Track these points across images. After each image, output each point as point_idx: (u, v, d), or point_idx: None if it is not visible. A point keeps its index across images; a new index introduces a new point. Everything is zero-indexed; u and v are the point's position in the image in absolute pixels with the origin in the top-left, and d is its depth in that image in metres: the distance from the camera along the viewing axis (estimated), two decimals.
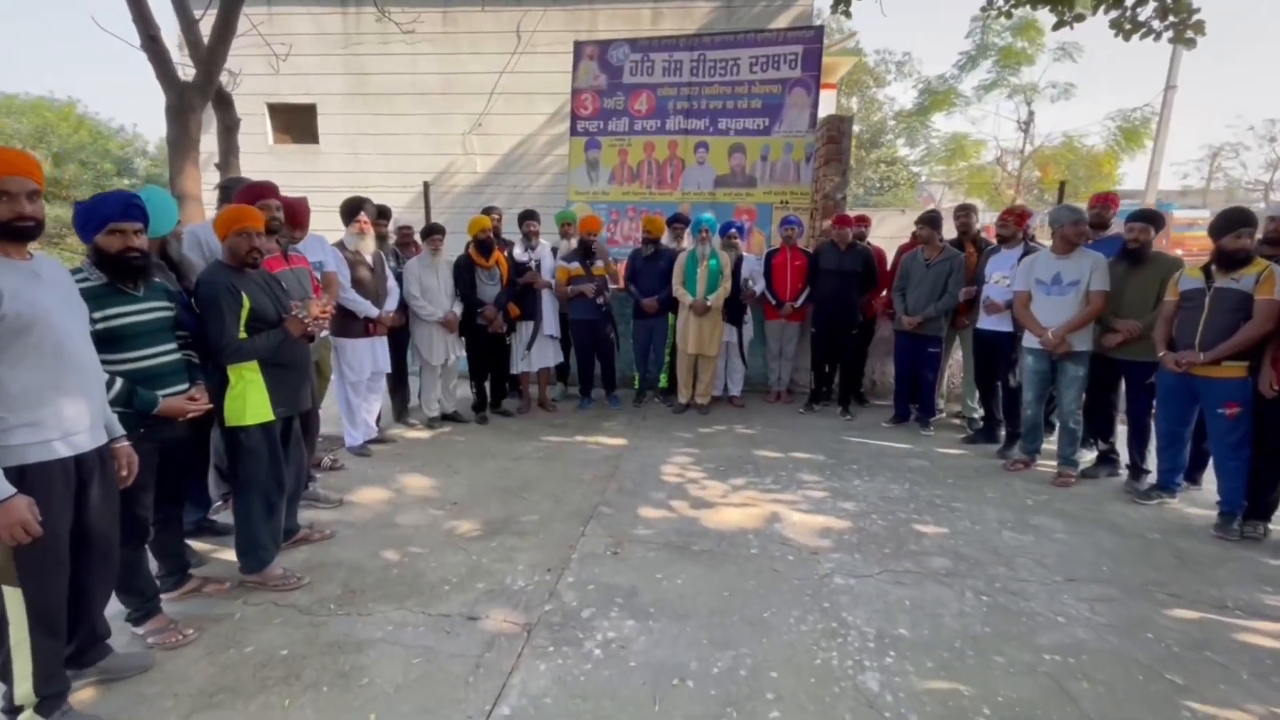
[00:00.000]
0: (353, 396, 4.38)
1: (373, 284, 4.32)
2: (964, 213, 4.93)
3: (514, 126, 8.72)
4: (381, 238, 4.75)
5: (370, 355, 4.39)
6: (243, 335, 2.53)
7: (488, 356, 5.22)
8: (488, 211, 5.51)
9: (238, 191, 3.10)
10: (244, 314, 2.52)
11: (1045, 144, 16.02)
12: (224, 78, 4.86)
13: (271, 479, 2.67)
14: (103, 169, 17.75)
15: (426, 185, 6.58)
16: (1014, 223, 4.29)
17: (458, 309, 5.01)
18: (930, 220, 4.71)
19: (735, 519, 3.40)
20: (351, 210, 4.26)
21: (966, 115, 24.95)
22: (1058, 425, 4.10)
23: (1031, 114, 16.27)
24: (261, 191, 3.05)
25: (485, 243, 5.01)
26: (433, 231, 4.88)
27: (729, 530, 3.27)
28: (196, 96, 4.53)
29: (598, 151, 6.52)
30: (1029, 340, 4.00)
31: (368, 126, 8.88)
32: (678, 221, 5.64)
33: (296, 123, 9.10)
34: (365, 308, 4.23)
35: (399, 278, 4.84)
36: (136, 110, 57.63)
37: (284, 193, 3.25)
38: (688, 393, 5.51)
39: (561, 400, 5.91)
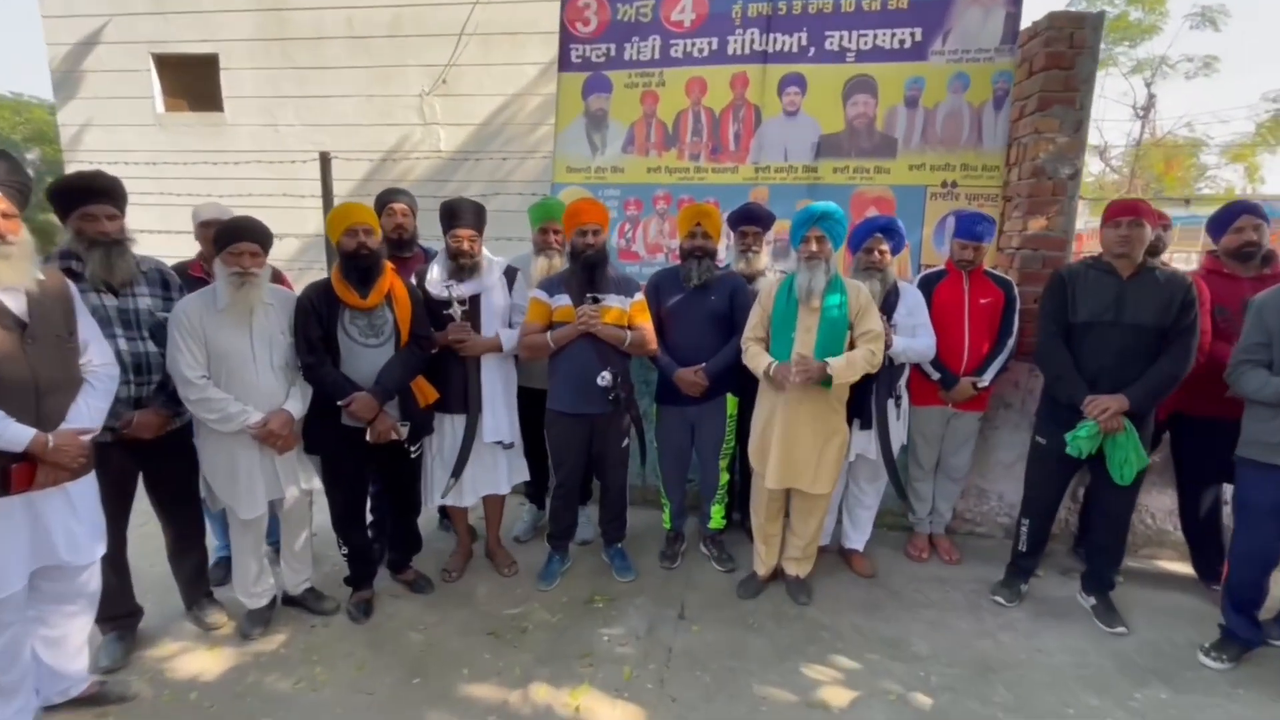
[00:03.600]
0: None
1: (25, 363, 1.71)
2: None
3: (492, 83, 6.08)
4: (97, 241, 2.10)
5: (24, 537, 1.78)
6: None
7: (371, 484, 2.58)
8: (386, 201, 2.89)
9: None
10: None
11: (1172, 132, 13.03)
12: None
13: None
14: None
15: (324, 156, 3.97)
16: None
17: (297, 403, 2.38)
18: None
19: None
20: None
21: None
22: None
23: (1152, 97, 13.35)
24: None
25: (360, 258, 2.39)
26: (236, 235, 2.25)
27: None
28: None
29: (605, 97, 3.68)
30: None
31: (288, 86, 6.32)
32: (750, 222, 2.91)
33: (192, 82, 6.58)
34: None
35: (156, 334, 2.23)
36: None
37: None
38: (771, 557, 2.79)
39: (532, 539, 3.26)
